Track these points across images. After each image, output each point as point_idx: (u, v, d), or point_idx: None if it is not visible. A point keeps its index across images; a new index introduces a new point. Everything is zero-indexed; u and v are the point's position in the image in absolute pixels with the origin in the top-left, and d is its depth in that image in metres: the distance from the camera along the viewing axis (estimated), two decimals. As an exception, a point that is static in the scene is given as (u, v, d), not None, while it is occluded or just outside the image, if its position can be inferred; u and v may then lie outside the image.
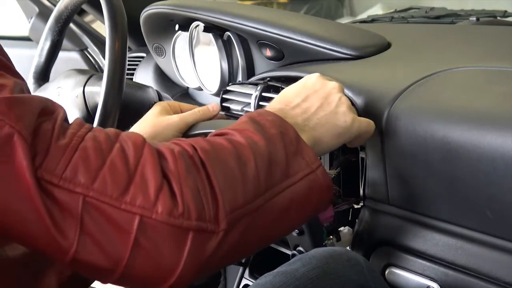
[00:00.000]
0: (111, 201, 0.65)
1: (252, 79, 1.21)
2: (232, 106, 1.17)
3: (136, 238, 0.65)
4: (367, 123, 0.88)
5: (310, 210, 0.81)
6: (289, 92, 0.88)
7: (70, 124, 0.68)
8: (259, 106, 1.08)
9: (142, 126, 1.07)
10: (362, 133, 0.88)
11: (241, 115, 1.14)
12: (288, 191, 0.76)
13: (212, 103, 1.15)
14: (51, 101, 0.70)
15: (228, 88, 1.20)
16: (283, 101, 0.86)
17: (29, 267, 0.75)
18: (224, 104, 1.19)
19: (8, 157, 0.62)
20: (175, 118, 1.08)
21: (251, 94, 1.11)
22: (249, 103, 1.11)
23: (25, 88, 0.68)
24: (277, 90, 1.08)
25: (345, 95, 0.88)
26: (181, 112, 1.14)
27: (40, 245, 0.65)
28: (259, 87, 1.10)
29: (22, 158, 0.62)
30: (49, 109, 0.67)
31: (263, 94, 1.09)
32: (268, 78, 1.13)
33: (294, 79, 1.05)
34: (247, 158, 0.73)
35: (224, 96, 1.20)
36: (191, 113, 1.11)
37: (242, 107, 1.14)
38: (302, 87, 0.88)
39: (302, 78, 0.90)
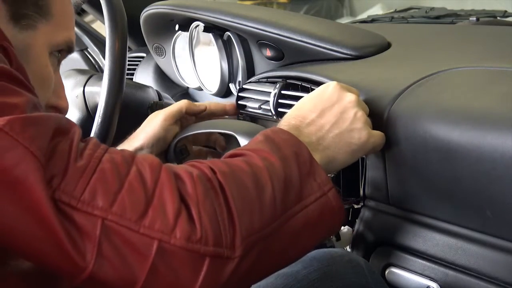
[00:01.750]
0: (130, 224, 0.64)
1: (254, 78, 1.21)
2: (249, 104, 1.17)
3: (153, 263, 0.64)
4: (380, 138, 0.87)
5: (322, 233, 0.80)
6: (305, 105, 0.87)
7: (86, 144, 0.68)
8: (278, 104, 1.08)
9: (143, 132, 1.08)
10: (375, 147, 0.87)
11: (258, 113, 1.14)
12: (301, 214, 0.74)
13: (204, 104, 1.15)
14: (66, 118, 0.69)
15: (244, 86, 1.20)
16: (299, 116, 0.85)
17: (42, 280, 0.75)
18: (240, 102, 1.19)
19: (22, 179, 0.61)
20: (159, 114, 1.09)
21: (270, 92, 1.10)
22: (267, 101, 1.11)
23: (38, 104, 0.68)
24: (296, 88, 1.08)
25: (361, 108, 0.86)
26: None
27: (54, 264, 0.64)
28: (278, 85, 1.10)
29: (36, 179, 0.61)
30: (64, 128, 0.67)
31: (283, 92, 1.09)
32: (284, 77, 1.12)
33: (311, 79, 1.04)
34: (265, 181, 0.72)
35: (240, 94, 1.19)
36: (175, 104, 1.12)
37: (259, 105, 1.13)
38: (318, 100, 0.86)
39: (320, 87, 0.89)
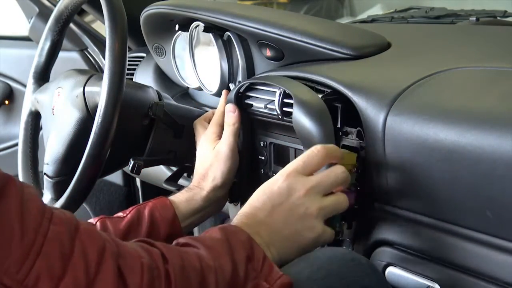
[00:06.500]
0: None
1: (260, 76, 1.21)
2: (255, 104, 1.16)
3: None
4: (330, 235, 0.89)
5: None
6: (255, 202, 0.88)
7: (29, 208, 0.64)
8: (283, 104, 1.08)
9: (208, 164, 1.13)
10: (325, 242, 0.89)
11: (264, 112, 1.13)
12: None
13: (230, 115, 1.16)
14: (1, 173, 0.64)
15: (250, 85, 1.19)
16: (250, 214, 0.87)
17: None
18: (246, 101, 1.18)
19: None
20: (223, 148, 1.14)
21: (275, 92, 1.10)
22: (273, 100, 1.11)
23: None
24: None
25: (313, 198, 0.87)
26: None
27: None
28: None
29: None
30: (1, 187, 0.62)
31: (288, 91, 1.09)
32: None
33: (311, 79, 1.04)
34: (210, 282, 0.75)
35: (247, 93, 1.19)
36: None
37: (265, 104, 1.13)
38: (268, 196, 0.88)
39: (272, 178, 0.89)
